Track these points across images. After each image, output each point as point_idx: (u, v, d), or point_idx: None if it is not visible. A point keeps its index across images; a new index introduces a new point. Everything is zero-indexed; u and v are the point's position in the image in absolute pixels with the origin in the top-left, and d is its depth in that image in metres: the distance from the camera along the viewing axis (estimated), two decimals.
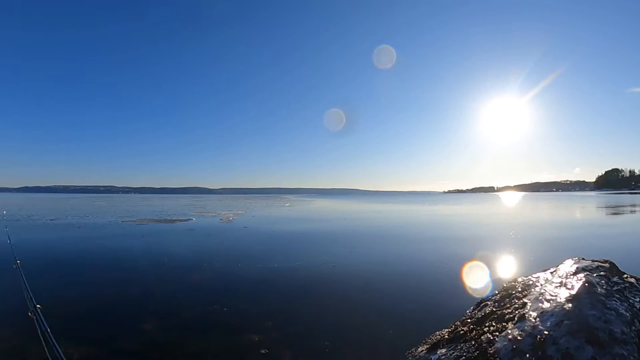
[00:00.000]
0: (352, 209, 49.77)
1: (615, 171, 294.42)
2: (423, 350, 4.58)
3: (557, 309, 4.10)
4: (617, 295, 3.55)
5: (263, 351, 5.47)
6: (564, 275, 4.27)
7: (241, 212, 38.31)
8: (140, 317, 6.90)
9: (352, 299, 7.70)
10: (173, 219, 28.66)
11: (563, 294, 4.09)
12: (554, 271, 4.55)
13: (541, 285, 4.37)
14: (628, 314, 3.26)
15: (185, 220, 27.34)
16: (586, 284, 3.90)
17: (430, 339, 4.68)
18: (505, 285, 4.81)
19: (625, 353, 2.90)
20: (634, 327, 3.12)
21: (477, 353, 4.27)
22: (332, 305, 7.37)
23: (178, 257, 12.87)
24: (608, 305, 3.42)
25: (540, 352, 3.92)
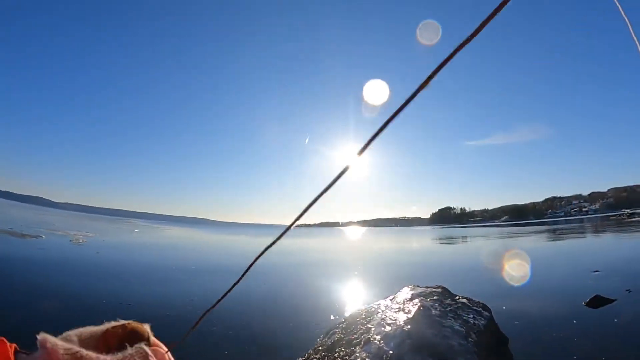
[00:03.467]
0: (208, 240, 47.57)
1: (448, 209, 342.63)
2: None
3: (398, 331, 4.68)
4: (451, 315, 4.29)
5: None
6: (402, 301, 4.92)
7: (91, 234, 33.46)
8: None
9: (199, 338, 7.22)
10: (23, 233, 23.86)
11: (402, 318, 4.71)
12: (393, 298, 5.19)
13: (382, 311, 4.93)
14: (463, 329, 3.96)
15: (34, 237, 22.96)
16: (421, 308, 4.57)
17: None
18: (350, 313, 5.27)
19: None
20: (470, 339, 3.80)
21: None
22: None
23: (22, 276, 10.45)
24: (444, 324, 4.09)
25: None
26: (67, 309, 7.99)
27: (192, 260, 22.62)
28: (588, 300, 8.42)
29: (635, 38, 1.17)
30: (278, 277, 15.20)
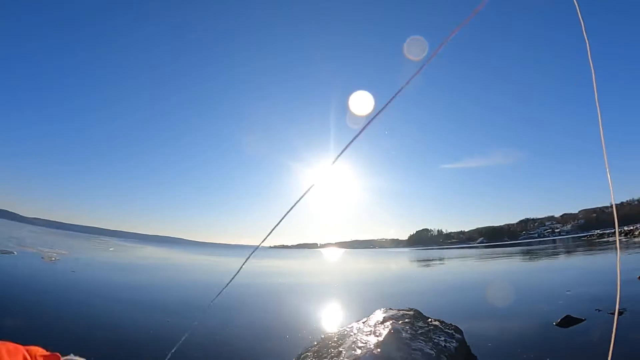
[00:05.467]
0: (185, 259, 46.64)
1: (425, 231, 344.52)
2: None
3: (367, 355, 4.62)
4: (422, 337, 4.26)
5: None
6: (374, 324, 4.88)
7: (64, 252, 32.13)
8: None
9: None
10: None
11: (372, 341, 4.65)
12: (366, 321, 5.14)
13: (354, 334, 4.88)
14: (433, 352, 3.93)
15: (6, 253, 22.06)
16: (392, 331, 4.54)
17: None
18: (322, 336, 5.19)
19: None
20: None
21: None
22: None
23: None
24: (413, 347, 4.06)
25: None
26: (40, 328, 7.65)
27: (171, 280, 22.07)
28: (559, 320, 8.55)
29: (587, 40, 1.21)
30: (251, 298, 14.95)
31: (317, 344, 5.07)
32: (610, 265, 19.99)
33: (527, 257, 41.39)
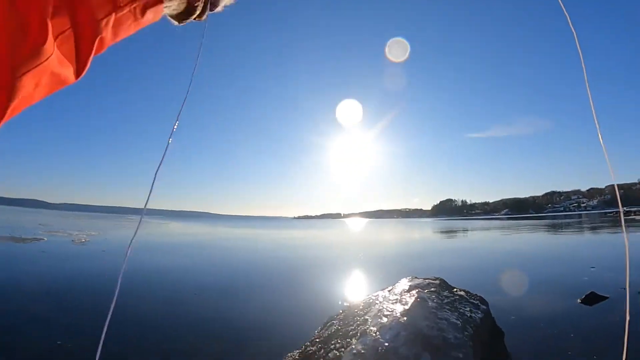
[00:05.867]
0: (215, 233, 47.62)
1: (449, 201, 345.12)
2: None
3: (394, 323, 4.69)
4: (448, 307, 4.28)
5: None
6: (400, 292, 4.92)
7: (93, 233, 33.32)
8: None
9: (203, 329, 7.20)
10: (23, 237, 24.27)
11: (398, 309, 4.71)
12: (391, 289, 5.18)
13: (380, 302, 4.93)
14: (459, 322, 3.95)
15: (36, 240, 23.48)
16: (418, 299, 4.57)
17: None
18: (348, 304, 5.28)
19: (461, 355, 3.49)
20: (466, 332, 3.79)
21: None
22: (184, 336, 6.79)
23: (21, 282, 10.52)
24: (439, 316, 4.08)
25: None
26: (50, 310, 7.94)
27: (204, 256, 22.54)
28: (583, 296, 8.45)
29: (574, 32, 1.15)
30: (278, 268, 15.25)
31: (342, 312, 5.15)
32: (637, 243, 19.49)
33: (553, 230, 40.73)
